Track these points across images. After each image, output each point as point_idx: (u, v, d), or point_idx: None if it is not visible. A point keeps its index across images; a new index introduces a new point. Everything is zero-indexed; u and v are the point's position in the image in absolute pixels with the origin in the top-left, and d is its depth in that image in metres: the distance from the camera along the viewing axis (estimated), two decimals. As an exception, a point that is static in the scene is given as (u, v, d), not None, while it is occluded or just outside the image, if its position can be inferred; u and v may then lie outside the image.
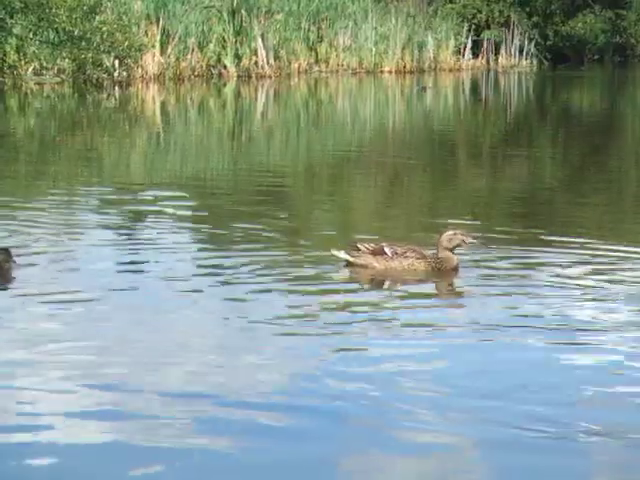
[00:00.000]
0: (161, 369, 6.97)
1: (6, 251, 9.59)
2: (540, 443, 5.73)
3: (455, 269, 9.80)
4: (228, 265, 9.83)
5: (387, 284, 9.55)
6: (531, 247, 10.84)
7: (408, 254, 9.85)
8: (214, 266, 9.89)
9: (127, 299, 8.69)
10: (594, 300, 8.83)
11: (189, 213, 13.37)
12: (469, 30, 57.24)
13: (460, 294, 9.37)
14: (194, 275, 9.56)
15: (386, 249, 9.89)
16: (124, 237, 11.54)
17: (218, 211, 13.65)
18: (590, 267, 9.97)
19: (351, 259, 9.95)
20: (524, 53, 61.47)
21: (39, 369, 6.89)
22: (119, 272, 9.62)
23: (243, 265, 9.78)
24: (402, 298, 9.07)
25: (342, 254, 10.00)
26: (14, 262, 9.55)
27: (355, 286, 9.50)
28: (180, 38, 39.08)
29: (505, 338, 7.74)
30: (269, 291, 8.93)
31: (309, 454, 5.65)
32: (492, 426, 5.95)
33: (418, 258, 9.83)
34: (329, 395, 6.44)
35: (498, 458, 5.59)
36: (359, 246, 9.96)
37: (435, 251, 9.88)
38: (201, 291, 8.91)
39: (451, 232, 9.90)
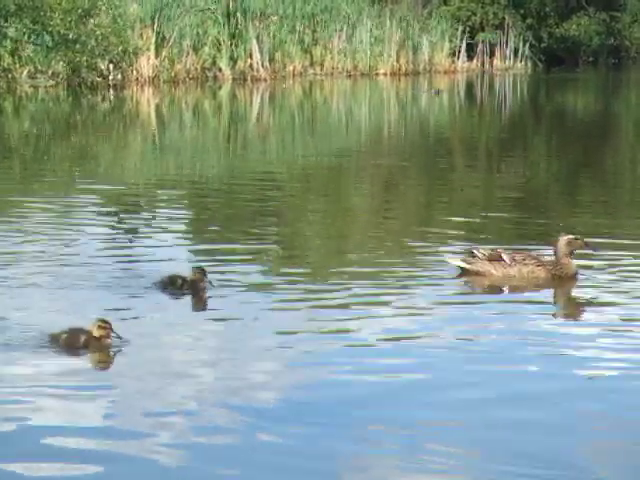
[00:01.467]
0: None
1: (201, 270, 8.99)
2: None
3: (575, 276, 9.53)
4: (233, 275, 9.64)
5: (506, 291, 9.36)
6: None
7: (527, 261, 9.59)
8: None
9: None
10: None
11: (183, 216, 13.37)
12: (464, 32, 57.26)
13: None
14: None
15: (504, 255, 9.63)
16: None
17: (210, 216, 13.63)
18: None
19: (467, 266, 9.66)
20: (519, 55, 61.49)
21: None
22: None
23: (243, 274, 9.64)
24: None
25: (457, 261, 9.76)
26: (210, 283, 8.93)
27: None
28: (175, 41, 39.04)
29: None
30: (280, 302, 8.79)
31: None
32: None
33: (538, 265, 9.57)
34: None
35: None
36: (475, 252, 9.72)
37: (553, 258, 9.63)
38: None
39: (571, 236, 9.62)
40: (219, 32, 41.56)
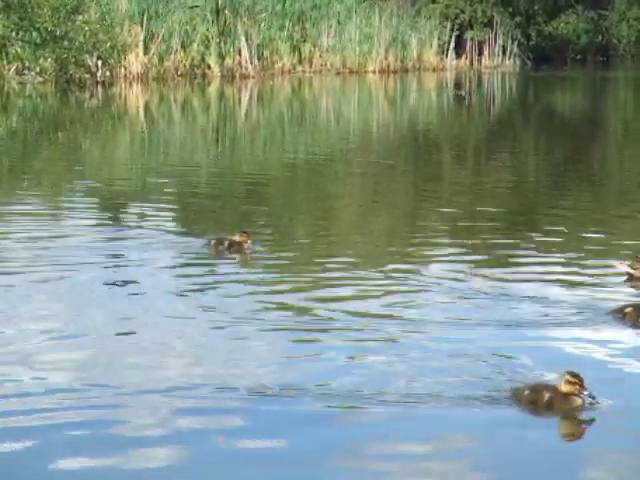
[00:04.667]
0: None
1: None
2: None
3: None
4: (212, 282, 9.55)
5: None
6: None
7: None
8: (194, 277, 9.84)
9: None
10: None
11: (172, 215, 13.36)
12: (452, 30, 57.31)
13: None
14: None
15: None
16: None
17: (198, 215, 13.61)
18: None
19: (632, 271, 9.50)
20: (507, 53, 61.59)
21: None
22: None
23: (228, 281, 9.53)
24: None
25: (624, 266, 9.59)
26: None
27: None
28: (163, 38, 38.99)
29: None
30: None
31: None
32: None
33: None
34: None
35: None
36: None
37: None
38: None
39: None
40: (208, 29, 41.54)
